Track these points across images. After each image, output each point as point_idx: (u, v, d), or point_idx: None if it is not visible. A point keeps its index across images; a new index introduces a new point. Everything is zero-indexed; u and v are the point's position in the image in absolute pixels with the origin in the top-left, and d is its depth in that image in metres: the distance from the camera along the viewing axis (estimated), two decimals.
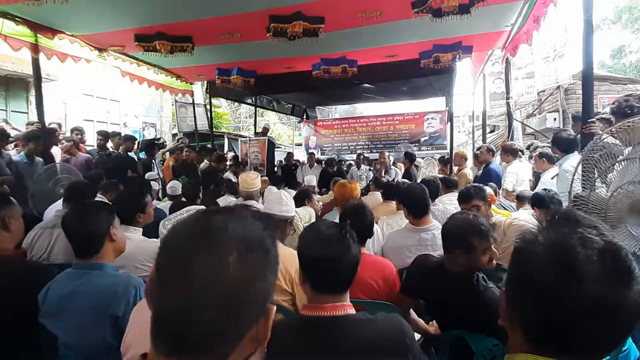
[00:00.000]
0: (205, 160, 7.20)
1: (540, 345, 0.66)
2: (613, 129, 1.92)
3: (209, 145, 8.44)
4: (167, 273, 0.57)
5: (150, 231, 2.42)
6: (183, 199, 4.03)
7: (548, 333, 0.64)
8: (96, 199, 3.06)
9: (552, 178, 3.86)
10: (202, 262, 0.55)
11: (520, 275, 0.69)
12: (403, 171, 6.99)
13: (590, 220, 0.69)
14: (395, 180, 5.54)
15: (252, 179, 3.38)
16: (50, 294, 1.50)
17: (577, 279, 0.61)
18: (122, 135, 6.62)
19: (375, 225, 2.86)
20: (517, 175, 4.68)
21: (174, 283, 0.55)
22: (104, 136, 6.30)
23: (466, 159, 6.27)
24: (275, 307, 0.64)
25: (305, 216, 3.32)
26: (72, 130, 6.17)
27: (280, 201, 2.15)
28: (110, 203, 2.76)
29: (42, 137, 4.66)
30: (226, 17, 4.42)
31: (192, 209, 1.80)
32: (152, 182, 4.84)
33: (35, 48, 4.65)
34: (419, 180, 5.47)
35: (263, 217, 0.66)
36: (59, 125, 6.51)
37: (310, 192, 3.87)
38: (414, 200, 2.56)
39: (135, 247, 2.07)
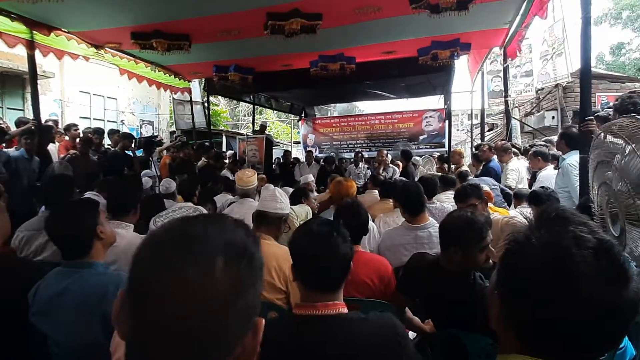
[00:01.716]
0: (202, 158, 7.18)
1: (535, 347, 0.65)
2: (615, 127, 1.91)
3: (207, 143, 8.42)
4: (145, 293, 0.50)
5: (142, 230, 2.41)
6: (179, 195, 3.99)
7: (544, 334, 0.63)
8: (92, 197, 3.03)
9: (555, 168, 3.86)
10: (185, 277, 0.49)
11: (515, 277, 0.67)
12: (401, 169, 6.99)
13: (579, 217, 0.68)
14: (393, 179, 5.53)
15: (248, 177, 3.38)
16: (40, 292, 1.48)
17: (575, 280, 0.60)
18: (121, 133, 6.60)
19: (372, 223, 2.85)
20: (519, 172, 4.69)
21: (154, 305, 0.49)
22: (100, 134, 6.27)
23: (463, 157, 6.28)
24: (263, 320, 0.59)
25: (301, 214, 3.31)
26: (68, 128, 6.13)
27: (275, 198, 2.14)
28: (106, 200, 2.72)
29: (35, 133, 4.63)
30: (223, 15, 4.39)
31: (186, 206, 1.78)
32: (147, 179, 4.82)
33: (30, 45, 4.62)
34: (416, 179, 5.47)
35: (242, 223, 0.61)
36: (55, 122, 6.47)
37: (307, 189, 3.86)
38: (409, 199, 2.55)
39: (128, 242, 2.06)
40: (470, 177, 4.79)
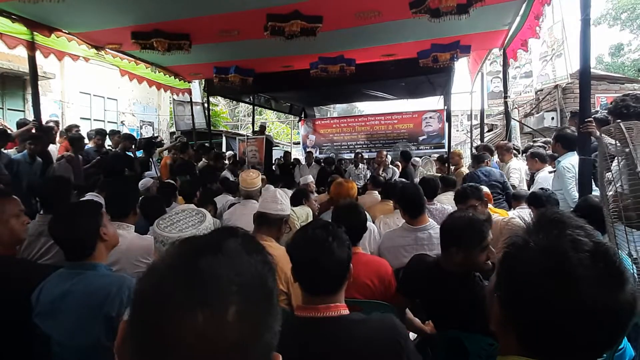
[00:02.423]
0: (203, 159, 7.19)
1: (535, 348, 0.66)
2: (611, 129, 1.92)
3: (206, 144, 8.43)
4: (146, 336, 0.45)
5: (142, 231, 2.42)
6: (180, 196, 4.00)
7: (544, 336, 0.64)
8: (92, 198, 3.04)
9: (550, 172, 3.88)
10: (192, 324, 0.43)
11: (514, 280, 0.68)
12: (400, 170, 7.00)
13: (576, 220, 0.69)
14: (393, 180, 5.54)
15: (252, 178, 3.36)
16: (43, 293, 1.49)
17: (572, 283, 0.61)
18: (121, 133, 6.61)
19: (372, 224, 2.86)
20: (520, 171, 4.71)
21: (156, 351, 0.44)
22: (102, 135, 6.29)
23: (462, 158, 6.30)
24: (280, 356, 0.53)
25: (302, 215, 3.31)
26: (69, 128, 6.15)
27: (276, 200, 2.15)
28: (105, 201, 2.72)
29: (43, 138, 4.64)
30: (223, 15, 4.40)
31: (188, 208, 1.78)
32: (148, 179, 4.83)
33: (31, 46, 4.62)
34: (417, 180, 5.48)
35: (256, 246, 0.54)
36: (56, 123, 6.47)
37: (307, 191, 3.86)
38: (408, 200, 2.55)
39: (129, 243, 2.07)
40: (487, 160, 4.79)
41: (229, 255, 0.50)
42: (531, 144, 6.60)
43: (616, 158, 1.80)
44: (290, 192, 3.58)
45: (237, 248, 0.51)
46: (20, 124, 5.32)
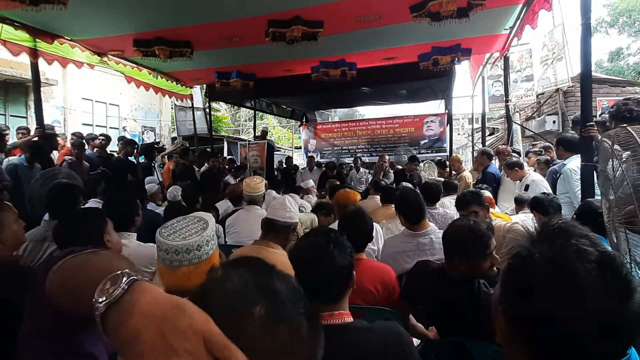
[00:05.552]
0: (205, 164, 7.20)
1: (542, 359, 0.65)
2: (612, 133, 1.92)
3: (208, 149, 8.46)
4: None
5: (146, 239, 2.41)
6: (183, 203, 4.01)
7: (551, 348, 0.63)
8: (95, 205, 3.04)
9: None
10: None
11: (519, 292, 0.68)
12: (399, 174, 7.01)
13: (580, 229, 0.68)
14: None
15: (256, 184, 3.36)
16: None
17: (579, 294, 0.60)
18: (123, 139, 6.65)
19: (377, 225, 2.84)
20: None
21: None
22: (107, 138, 6.32)
23: (462, 162, 6.31)
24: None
25: (306, 221, 3.31)
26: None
27: (284, 207, 2.12)
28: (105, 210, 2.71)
29: (44, 146, 4.65)
30: (225, 22, 4.43)
31: (191, 216, 1.77)
32: (152, 185, 4.83)
33: (34, 53, 4.65)
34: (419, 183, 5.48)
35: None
36: (52, 128, 6.50)
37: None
38: (408, 207, 2.52)
39: (131, 252, 2.06)
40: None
41: None
42: (531, 147, 6.61)
43: (610, 160, 1.79)
44: (298, 198, 3.56)
45: None
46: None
